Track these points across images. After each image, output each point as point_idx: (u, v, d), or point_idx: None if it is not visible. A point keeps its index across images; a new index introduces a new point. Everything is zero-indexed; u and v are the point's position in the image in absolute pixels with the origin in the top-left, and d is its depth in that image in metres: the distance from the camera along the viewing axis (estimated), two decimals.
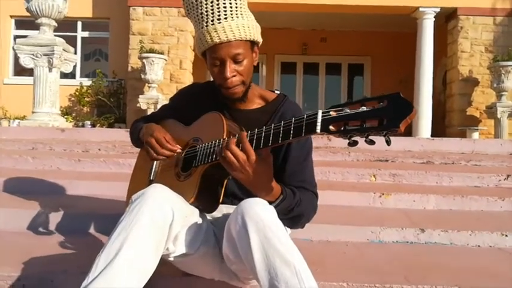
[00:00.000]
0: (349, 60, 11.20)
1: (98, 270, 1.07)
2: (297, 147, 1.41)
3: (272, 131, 1.12)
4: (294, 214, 1.32)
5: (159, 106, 7.38)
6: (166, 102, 6.89)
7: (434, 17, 8.05)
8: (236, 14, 1.31)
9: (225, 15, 1.29)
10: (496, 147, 4.56)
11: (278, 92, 1.52)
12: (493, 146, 4.56)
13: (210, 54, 1.34)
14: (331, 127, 0.97)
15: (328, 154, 3.85)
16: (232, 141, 1.14)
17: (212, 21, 1.29)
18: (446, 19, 8.50)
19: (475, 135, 7.57)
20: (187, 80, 8.32)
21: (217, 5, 1.29)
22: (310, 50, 10.88)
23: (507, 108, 7.32)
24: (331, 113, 0.98)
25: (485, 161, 3.90)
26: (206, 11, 1.30)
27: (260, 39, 1.41)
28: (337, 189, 2.84)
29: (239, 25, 1.30)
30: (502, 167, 3.77)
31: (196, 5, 1.32)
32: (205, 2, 1.30)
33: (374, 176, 3.26)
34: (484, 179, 3.25)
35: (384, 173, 3.27)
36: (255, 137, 1.16)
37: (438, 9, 7.98)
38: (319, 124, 0.99)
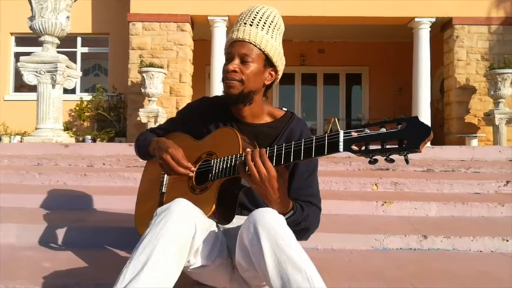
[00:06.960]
0: (346, 70, 11.34)
1: (126, 281, 1.11)
2: (305, 162, 1.46)
3: (293, 148, 1.19)
4: (301, 227, 1.37)
5: (159, 119, 7.42)
6: (166, 115, 6.83)
7: (430, 26, 8.18)
8: (262, 27, 1.41)
9: (252, 22, 1.41)
10: (495, 154, 4.63)
11: (286, 110, 1.58)
12: (491, 153, 4.64)
13: (225, 50, 1.47)
14: (353, 147, 1.06)
15: (329, 164, 3.91)
16: (256, 156, 1.21)
17: (244, 23, 1.42)
18: (442, 28, 8.63)
19: (474, 142, 7.63)
20: (187, 93, 8.40)
21: (252, 12, 1.44)
22: (308, 61, 11.01)
23: (505, 115, 7.40)
24: (352, 133, 1.07)
25: (484, 168, 3.97)
26: (244, 14, 1.45)
27: (278, 65, 1.47)
28: (341, 199, 2.89)
29: (259, 35, 1.40)
30: (501, 174, 3.83)
31: (244, 11, 1.47)
32: (247, 9, 1.45)
33: (376, 184, 3.31)
34: (484, 185, 3.31)
35: (386, 182, 3.32)
36: (274, 153, 1.23)
37: (433, 19, 8.11)
38: (341, 144, 1.08)
